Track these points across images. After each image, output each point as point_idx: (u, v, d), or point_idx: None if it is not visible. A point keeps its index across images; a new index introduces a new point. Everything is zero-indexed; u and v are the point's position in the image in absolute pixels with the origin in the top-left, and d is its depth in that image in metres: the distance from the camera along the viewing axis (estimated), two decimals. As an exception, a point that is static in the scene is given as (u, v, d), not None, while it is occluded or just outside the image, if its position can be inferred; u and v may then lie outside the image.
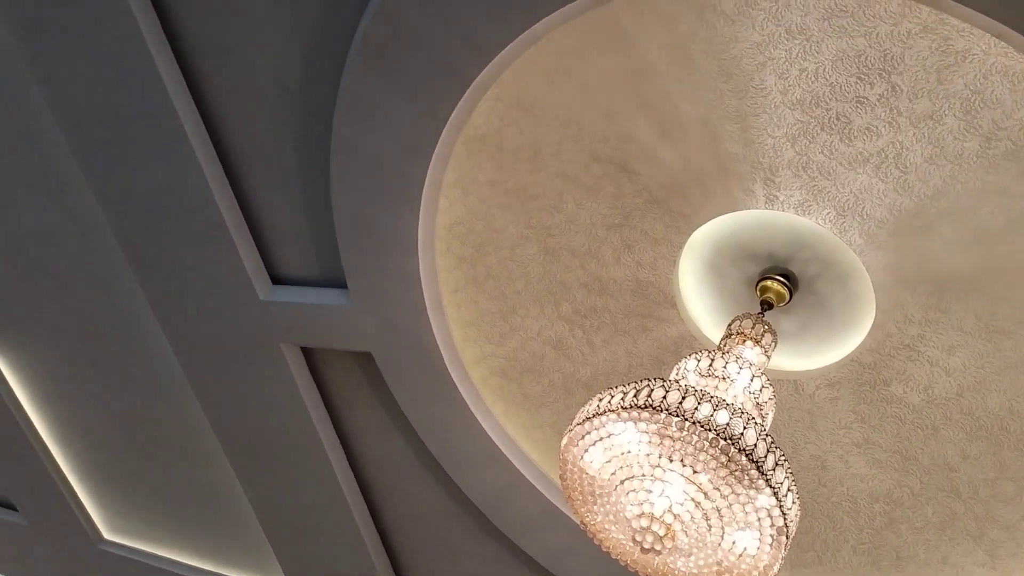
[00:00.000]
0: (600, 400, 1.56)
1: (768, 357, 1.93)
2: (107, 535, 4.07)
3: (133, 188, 2.49)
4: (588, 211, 2.11)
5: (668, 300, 2.16)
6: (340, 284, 2.52)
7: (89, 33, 2.20)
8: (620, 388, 1.58)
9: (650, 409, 1.49)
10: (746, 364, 1.81)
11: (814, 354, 2.16)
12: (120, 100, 2.30)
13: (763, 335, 1.93)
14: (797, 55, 1.70)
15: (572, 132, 1.99)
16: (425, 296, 2.33)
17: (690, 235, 2.04)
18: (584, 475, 1.61)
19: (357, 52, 1.97)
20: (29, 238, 3.01)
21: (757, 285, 2.05)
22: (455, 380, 2.46)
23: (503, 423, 2.55)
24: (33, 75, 2.38)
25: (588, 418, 1.55)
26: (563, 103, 1.95)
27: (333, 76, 2.10)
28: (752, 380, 1.79)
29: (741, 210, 1.95)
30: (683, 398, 1.51)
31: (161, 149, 2.34)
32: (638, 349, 2.28)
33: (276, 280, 2.64)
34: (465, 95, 1.92)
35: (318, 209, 2.39)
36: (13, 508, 4.35)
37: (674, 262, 2.10)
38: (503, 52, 1.81)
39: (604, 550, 1.66)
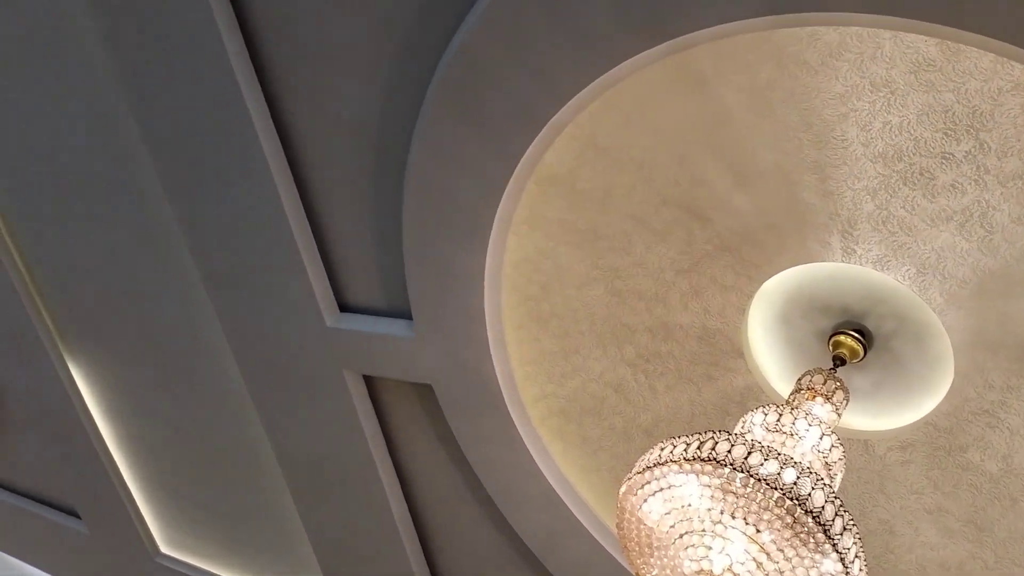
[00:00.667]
0: (662, 449, 1.53)
1: (839, 415, 1.87)
2: (164, 548, 4.14)
3: (213, 211, 2.57)
4: (657, 255, 2.09)
5: (735, 349, 2.12)
6: (405, 315, 2.54)
7: (184, 66, 2.29)
8: (683, 438, 1.55)
9: (714, 463, 1.45)
10: (815, 421, 1.75)
11: (887, 414, 2.08)
12: (207, 127, 2.38)
13: (834, 392, 1.87)
14: (881, 108, 1.66)
15: (645, 175, 1.98)
16: (488, 332, 2.33)
17: (761, 284, 2.00)
18: (642, 526, 1.57)
19: (435, 88, 2.00)
20: (111, 256, 3.12)
21: (830, 340, 1.99)
22: (514, 418, 2.45)
23: (560, 464, 2.52)
24: (128, 101, 2.49)
25: (649, 467, 1.52)
26: (638, 146, 1.94)
27: (411, 111, 2.14)
28: (821, 438, 1.73)
29: (816, 262, 1.91)
30: (749, 453, 1.47)
31: (242, 176, 2.41)
32: (702, 398, 2.23)
33: (343, 308, 2.68)
34: (540, 134, 1.93)
35: (388, 240, 2.42)
36: (76, 516, 4.47)
37: (743, 311, 2.06)
38: (580, 94, 1.81)
39: (659, 604, 1.61)
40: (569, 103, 1.83)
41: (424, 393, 2.67)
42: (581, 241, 2.16)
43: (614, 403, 2.35)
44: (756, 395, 2.17)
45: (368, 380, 2.78)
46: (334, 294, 2.65)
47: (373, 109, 2.20)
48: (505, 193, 2.07)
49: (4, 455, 4.72)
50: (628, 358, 2.27)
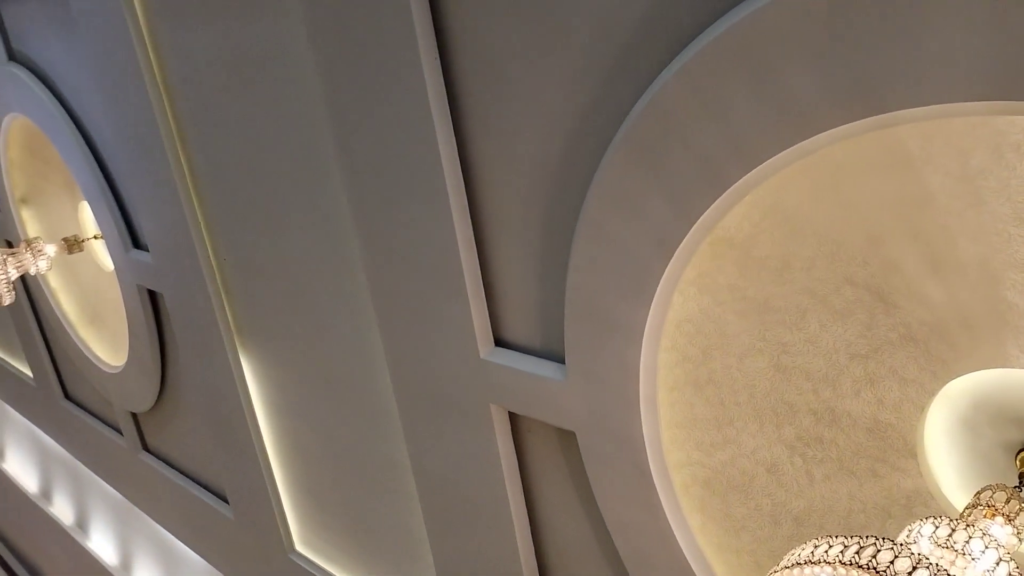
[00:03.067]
0: (816, 547, 1.42)
1: (1020, 540, 1.68)
2: (299, 546, 4.30)
3: (390, 233, 2.67)
4: (832, 335, 1.97)
5: (908, 448, 1.96)
6: (559, 358, 2.53)
7: (384, 94, 2.42)
8: (840, 538, 1.43)
9: (873, 572, 1.33)
10: (993, 543, 1.58)
11: (1077, 547, 1.86)
12: (397, 153, 2.49)
13: (1018, 513, 1.69)
14: (1112, 209, 1.50)
15: (829, 250, 1.88)
16: (641, 389, 2.27)
17: (947, 383, 1.84)
18: (783, 624, 1.46)
19: (622, 138, 1.99)
20: (292, 264, 3.31)
21: (1017, 455, 1.80)
22: (655, 480, 2.37)
23: (698, 537, 2.42)
24: (330, 122, 2.64)
25: (799, 563, 1.41)
26: (825, 219, 1.85)
27: (593, 157, 2.14)
28: (998, 563, 1.55)
29: (1013, 368, 1.74)
30: (914, 568, 1.34)
31: (422, 202, 2.49)
32: (863, 493, 2.07)
33: (499, 342, 2.70)
34: (722, 197, 1.88)
35: (552, 282, 2.43)
36: (226, 501, 4.73)
37: (922, 408, 1.91)
38: (771, 160, 1.75)
39: None
40: (758, 168, 1.78)
41: (567, 440, 2.64)
42: (750, 309, 2.08)
43: (764, 483, 2.23)
44: (925, 501, 1.99)
45: (513, 417, 2.79)
46: (491, 327, 2.68)
47: (556, 152, 2.22)
48: (678, 251, 2.03)
49: (172, 434, 5.09)
50: (786, 439, 2.15)
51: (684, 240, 2.00)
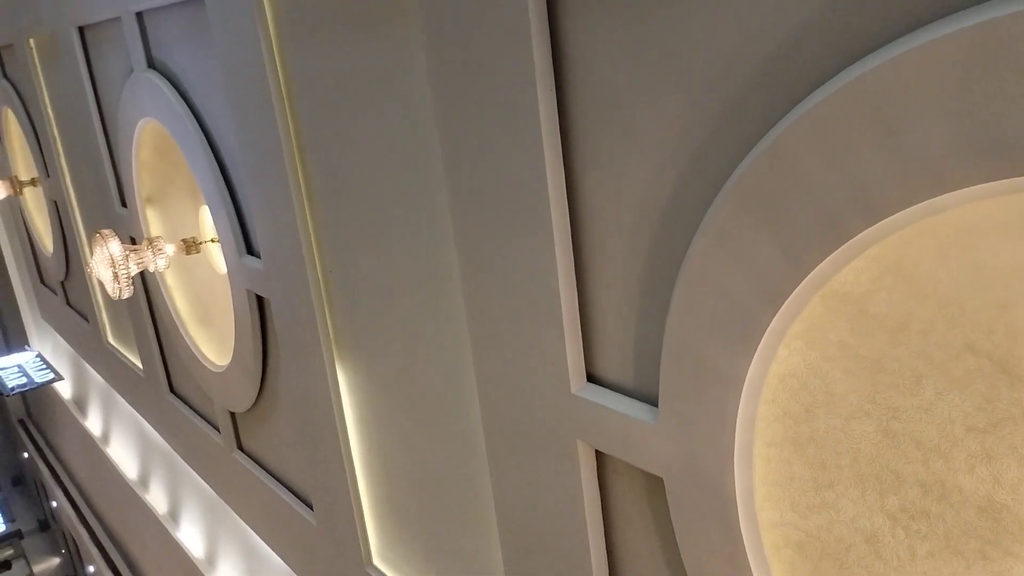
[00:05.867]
0: (918, 633, 1.33)
1: None
2: (376, 561, 4.33)
3: (492, 260, 2.68)
4: (948, 404, 1.85)
5: (1025, 534, 1.82)
6: (651, 401, 2.47)
7: (497, 121, 2.43)
8: (945, 626, 1.33)
9: (982, 669, 1.23)
10: (1120, 652, 1.44)
11: None
12: (504, 182, 2.50)
13: None
14: None
15: (951, 314, 1.77)
16: (736, 441, 2.19)
17: (1074, 469, 1.71)
18: None
19: (735, 182, 1.94)
20: (394, 282, 3.36)
21: None
22: (744, 537, 2.27)
23: (785, 602, 2.30)
24: (441, 146, 2.68)
25: (898, 649, 1.32)
26: (950, 281, 1.75)
27: (703, 200, 2.10)
28: (1125, 675, 1.42)
29: None
30: (1028, 670, 1.23)
31: (526, 234, 2.49)
32: (970, 577, 1.93)
33: (590, 378, 2.66)
34: (839, 250, 1.80)
35: (651, 323, 2.38)
36: (310, 507, 4.81)
37: (1044, 493, 1.77)
38: (896, 216, 1.67)
39: None
40: (881, 223, 1.69)
41: (654, 485, 2.57)
42: (861, 369, 1.97)
43: (862, 554, 2.11)
44: (1041, 593, 1.84)
45: (599, 456, 2.74)
46: (584, 362, 2.64)
47: (666, 190, 2.18)
48: (787, 302, 1.95)
49: (266, 436, 5.24)
50: (889, 509, 2.02)
51: (795, 291, 1.92)
